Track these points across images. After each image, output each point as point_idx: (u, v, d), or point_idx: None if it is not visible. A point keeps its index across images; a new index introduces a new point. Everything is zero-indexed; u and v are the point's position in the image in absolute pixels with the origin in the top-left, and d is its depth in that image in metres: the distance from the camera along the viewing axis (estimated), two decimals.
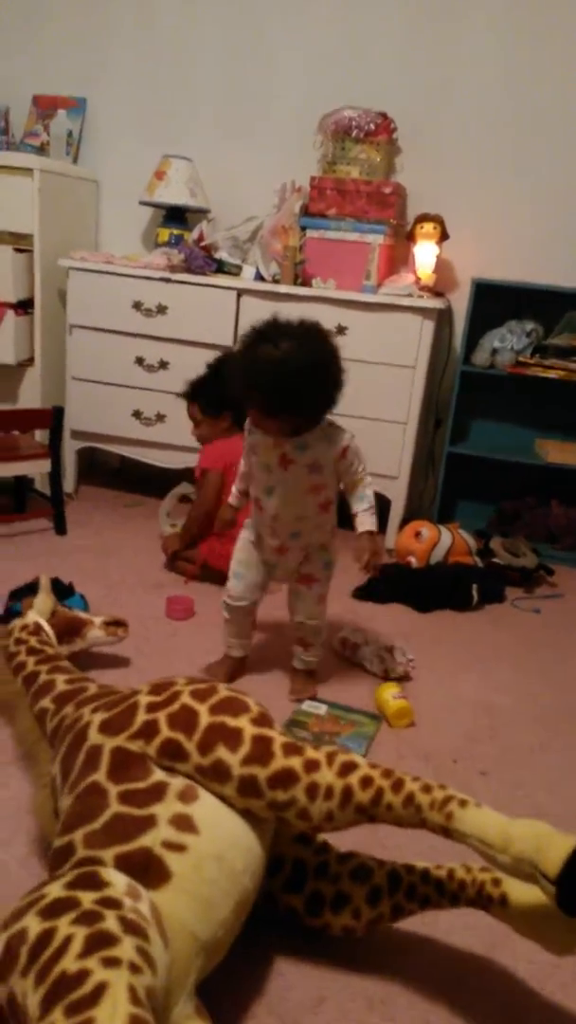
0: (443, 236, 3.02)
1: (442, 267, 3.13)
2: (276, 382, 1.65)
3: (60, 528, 2.89)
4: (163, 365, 3.05)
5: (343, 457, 1.78)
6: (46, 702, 1.50)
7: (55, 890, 0.93)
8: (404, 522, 3.00)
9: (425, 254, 2.99)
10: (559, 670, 2.30)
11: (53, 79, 3.44)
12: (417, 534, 2.85)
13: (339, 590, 2.64)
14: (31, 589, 2.06)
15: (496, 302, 3.08)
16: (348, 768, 1.13)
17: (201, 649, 2.17)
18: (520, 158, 3.09)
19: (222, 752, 1.13)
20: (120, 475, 3.64)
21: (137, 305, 3.02)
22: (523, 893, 1.13)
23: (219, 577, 2.24)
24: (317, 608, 1.97)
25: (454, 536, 2.87)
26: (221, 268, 3.05)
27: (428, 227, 3.00)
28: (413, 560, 2.81)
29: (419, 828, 1.11)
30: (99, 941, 0.85)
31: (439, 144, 3.14)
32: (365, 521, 1.82)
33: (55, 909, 0.90)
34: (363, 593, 2.64)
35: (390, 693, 1.95)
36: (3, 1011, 0.86)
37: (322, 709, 1.94)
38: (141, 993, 0.82)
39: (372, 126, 2.97)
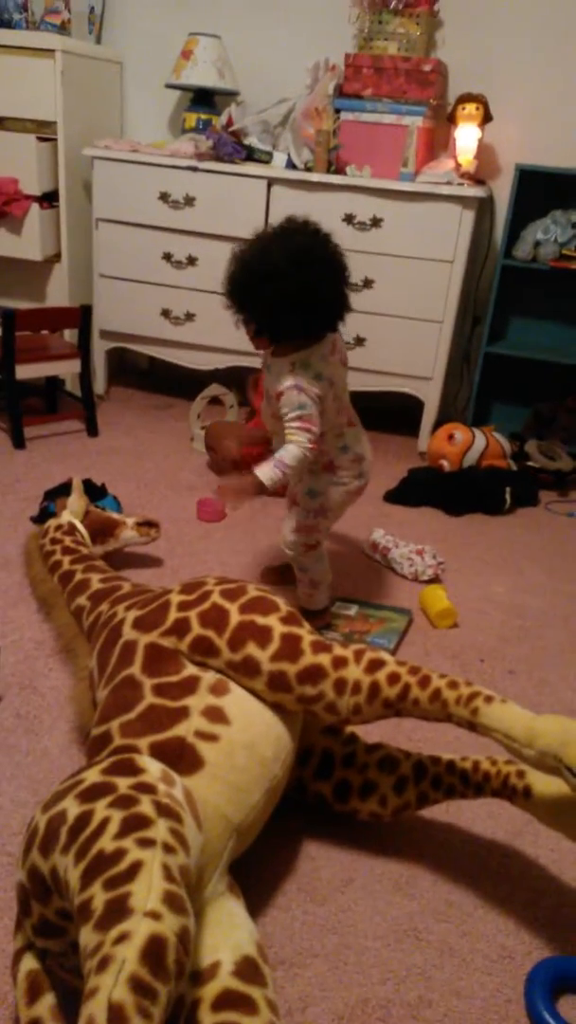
0: (486, 118, 2.84)
1: (484, 152, 2.95)
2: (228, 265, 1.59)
3: (92, 430, 2.89)
4: (191, 261, 2.96)
5: (277, 399, 1.62)
6: (82, 600, 1.54)
7: (93, 775, 0.97)
8: (437, 425, 2.94)
9: (466, 137, 2.82)
10: None
11: None
12: (450, 437, 2.81)
13: (371, 493, 2.63)
14: (65, 490, 2.09)
15: (540, 190, 2.90)
16: (376, 665, 1.15)
17: (231, 550, 2.19)
18: (572, 32, 2.86)
19: (252, 649, 1.16)
20: (149, 376, 3.60)
21: (164, 196, 2.91)
22: (547, 785, 1.16)
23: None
24: (291, 537, 1.79)
25: (488, 439, 2.82)
26: (251, 155, 2.91)
27: (470, 108, 2.82)
28: (446, 464, 2.78)
29: (445, 722, 1.13)
30: (134, 823, 0.89)
31: (484, 16, 2.90)
32: (263, 465, 1.58)
33: (93, 793, 0.94)
34: (395, 496, 2.63)
35: (443, 592, 1.98)
36: (47, 882, 0.91)
37: (352, 609, 1.96)
38: (175, 871, 0.86)
39: None
